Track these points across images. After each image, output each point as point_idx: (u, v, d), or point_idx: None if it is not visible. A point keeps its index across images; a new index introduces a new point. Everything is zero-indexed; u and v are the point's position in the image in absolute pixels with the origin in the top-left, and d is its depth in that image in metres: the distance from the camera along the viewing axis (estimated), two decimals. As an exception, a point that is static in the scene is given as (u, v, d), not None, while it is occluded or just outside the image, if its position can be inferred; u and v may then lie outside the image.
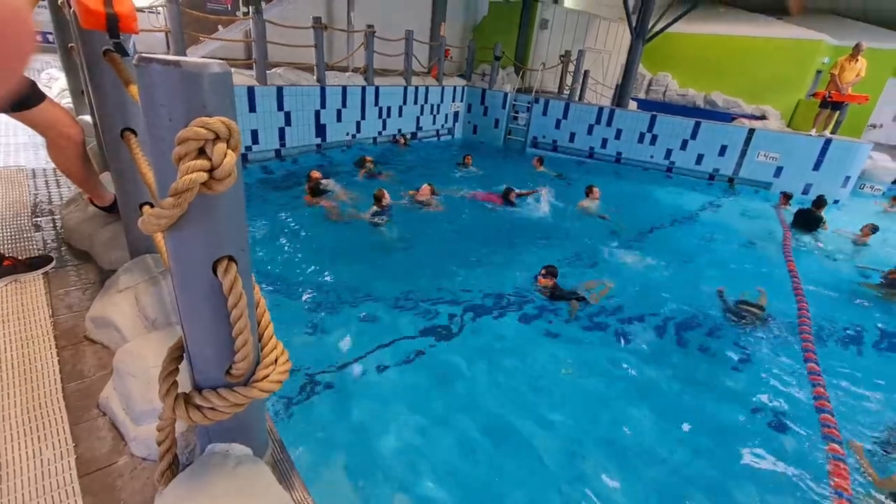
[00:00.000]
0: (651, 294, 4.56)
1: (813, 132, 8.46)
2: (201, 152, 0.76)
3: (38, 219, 2.19)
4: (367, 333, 3.54)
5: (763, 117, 15.73)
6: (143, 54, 0.75)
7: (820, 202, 7.01)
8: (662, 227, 6.73)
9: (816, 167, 8.27)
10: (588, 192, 6.94)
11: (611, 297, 4.38)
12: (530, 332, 3.79)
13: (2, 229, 2.05)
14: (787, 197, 7.83)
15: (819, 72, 15.30)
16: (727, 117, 14.53)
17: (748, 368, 3.57)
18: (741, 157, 8.79)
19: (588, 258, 5.30)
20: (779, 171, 8.57)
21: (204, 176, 0.75)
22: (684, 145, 9.17)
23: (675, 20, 10.60)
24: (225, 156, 0.76)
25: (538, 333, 3.78)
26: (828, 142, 8.09)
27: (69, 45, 2.80)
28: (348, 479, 2.32)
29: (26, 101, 1.60)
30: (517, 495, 2.39)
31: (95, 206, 1.94)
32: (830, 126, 8.56)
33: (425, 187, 6.19)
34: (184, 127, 0.74)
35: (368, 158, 7.55)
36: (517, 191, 6.60)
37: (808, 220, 6.72)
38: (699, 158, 9.13)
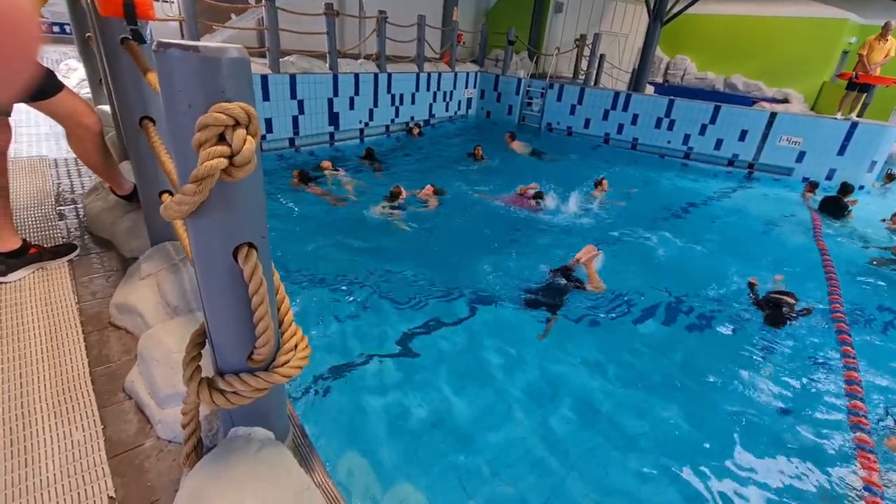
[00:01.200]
0: (670, 280, 4.49)
1: (838, 115, 8.18)
2: (221, 139, 0.75)
3: (62, 207, 2.24)
4: (384, 322, 3.56)
5: (785, 101, 15.27)
6: (162, 40, 0.75)
7: (846, 189, 6.81)
8: (680, 214, 6.62)
9: (841, 152, 8.01)
10: (597, 184, 6.79)
11: (628, 291, 4.30)
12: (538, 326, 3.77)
13: (27, 218, 2.10)
14: (812, 185, 7.60)
15: (845, 52, 14.74)
16: (748, 101, 14.12)
17: (777, 354, 3.51)
18: (762, 141, 8.55)
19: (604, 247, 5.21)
20: (801, 156, 8.33)
21: (224, 162, 0.75)
22: (703, 130, 8.96)
23: (694, 1, 10.28)
24: (245, 142, 0.76)
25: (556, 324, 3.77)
26: (854, 125, 7.83)
27: (86, 34, 2.82)
28: (366, 463, 2.36)
29: (45, 90, 1.62)
30: (532, 481, 2.41)
31: (116, 194, 1.96)
32: (857, 109, 8.27)
33: (427, 188, 6.08)
34: (203, 113, 0.74)
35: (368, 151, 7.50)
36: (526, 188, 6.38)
37: (835, 207, 6.54)
38: (718, 143, 8.91)
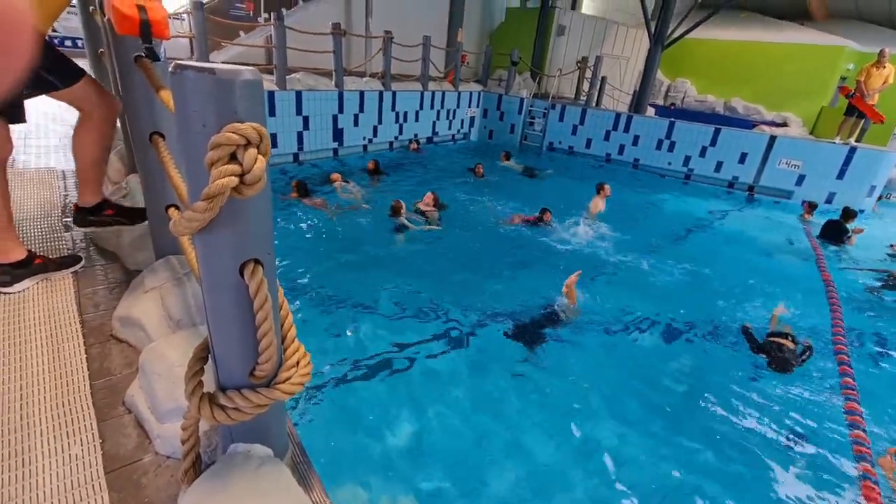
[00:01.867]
0: (666, 305, 4.47)
1: (837, 140, 8.28)
2: (232, 157, 0.77)
3: (68, 219, 2.26)
4: (382, 338, 3.55)
5: (784, 124, 15.46)
6: (179, 61, 0.77)
7: (848, 213, 6.82)
8: (680, 236, 6.64)
9: (840, 176, 8.09)
10: (599, 188, 6.76)
11: (630, 311, 4.28)
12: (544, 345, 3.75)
13: (33, 228, 2.12)
14: (811, 206, 7.64)
15: (843, 78, 14.98)
16: (748, 124, 14.29)
17: (775, 383, 3.47)
18: (762, 164, 8.64)
19: (595, 270, 5.16)
20: (801, 179, 8.40)
21: (235, 181, 0.76)
22: (703, 152, 9.05)
23: (694, 26, 10.50)
24: (255, 161, 0.77)
25: (548, 345, 3.74)
26: (852, 150, 7.91)
27: (99, 50, 2.88)
28: (364, 481, 2.33)
29: (62, 80, 1.67)
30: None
31: (77, 207, 1.92)
32: (856, 134, 8.37)
33: (428, 196, 6.07)
34: (216, 132, 0.76)
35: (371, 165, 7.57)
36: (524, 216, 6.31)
37: (836, 232, 6.56)
38: (718, 166, 9.00)
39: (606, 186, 6.76)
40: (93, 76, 1.81)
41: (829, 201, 8.21)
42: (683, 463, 2.70)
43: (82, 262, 1.87)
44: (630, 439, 2.84)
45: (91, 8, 2.66)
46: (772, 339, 3.74)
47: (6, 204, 1.57)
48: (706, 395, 3.28)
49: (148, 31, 1.29)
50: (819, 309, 4.64)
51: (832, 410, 3.22)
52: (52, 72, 1.64)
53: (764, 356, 3.62)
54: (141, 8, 1.29)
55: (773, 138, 8.56)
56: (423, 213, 5.88)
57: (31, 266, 1.63)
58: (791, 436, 2.98)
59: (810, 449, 2.89)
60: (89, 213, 1.79)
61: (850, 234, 6.49)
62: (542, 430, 2.85)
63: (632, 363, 3.62)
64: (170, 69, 0.80)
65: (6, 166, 1.56)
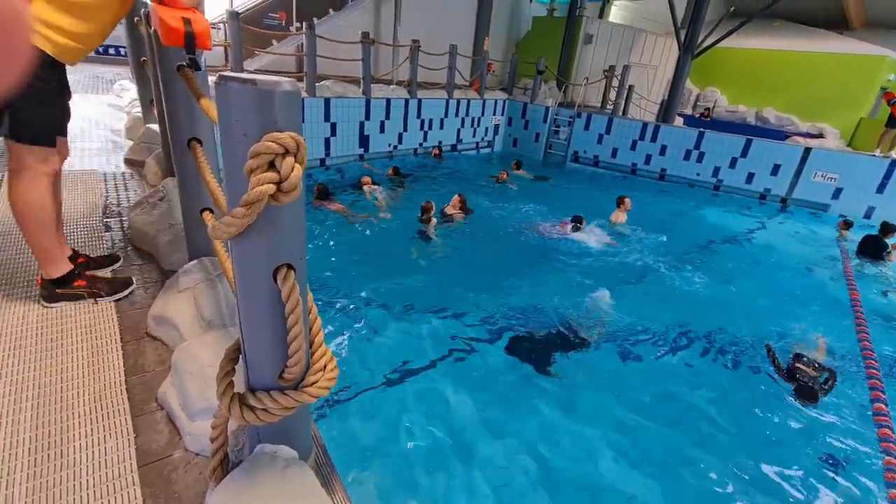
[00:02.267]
0: (691, 320, 4.34)
1: (877, 152, 7.96)
2: (271, 165, 0.80)
3: (109, 220, 2.36)
4: (406, 343, 3.57)
5: (820, 136, 14.93)
6: (223, 73, 0.80)
7: (887, 228, 6.54)
8: (707, 248, 6.47)
9: (880, 190, 7.76)
10: (619, 202, 6.66)
11: (648, 326, 4.18)
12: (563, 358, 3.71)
13: (77, 228, 2.22)
14: (847, 224, 7.30)
15: (884, 89, 14.39)
16: (780, 135, 13.88)
17: (802, 407, 3.33)
18: (796, 176, 8.37)
19: (620, 281, 5.07)
20: (838, 192, 8.10)
21: (272, 188, 0.79)
22: (734, 163, 8.83)
23: (726, 35, 10.29)
24: (292, 169, 0.80)
25: (567, 358, 3.69)
26: (893, 163, 7.59)
27: (142, 59, 3.02)
28: (385, 485, 2.33)
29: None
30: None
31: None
32: (897, 146, 8.04)
33: (455, 199, 6.07)
34: (256, 141, 0.78)
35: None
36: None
37: (875, 248, 6.28)
38: (749, 177, 8.76)
39: (627, 200, 6.67)
40: (139, 101, 1.85)
41: (867, 216, 7.88)
42: (704, 489, 2.61)
43: (121, 261, 1.94)
44: (651, 456, 2.77)
45: (136, 19, 2.79)
46: (796, 364, 3.57)
47: (58, 214, 1.63)
48: (730, 415, 3.17)
49: (192, 42, 1.35)
50: (850, 331, 4.44)
51: (863, 436, 3.07)
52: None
53: (789, 382, 3.46)
54: (186, 20, 1.35)
55: (807, 150, 8.29)
56: (449, 216, 5.90)
57: (70, 285, 1.66)
58: (820, 461, 2.85)
59: (840, 474, 2.77)
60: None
61: (889, 250, 6.21)
62: (565, 442, 2.80)
63: (653, 378, 3.53)
64: (214, 80, 0.83)
65: (55, 178, 1.63)
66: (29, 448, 1.15)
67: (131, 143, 3.49)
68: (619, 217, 6.56)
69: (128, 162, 3.29)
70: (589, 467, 2.66)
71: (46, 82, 1.49)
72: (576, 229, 5.90)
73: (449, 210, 5.99)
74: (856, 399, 3.43)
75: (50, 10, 1.39)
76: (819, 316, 4.64)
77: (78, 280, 1.68)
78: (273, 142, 0.78)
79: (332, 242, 5.25)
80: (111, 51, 8.76)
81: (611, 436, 2.89)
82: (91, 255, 1.88)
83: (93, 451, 1.16)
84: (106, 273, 1.87)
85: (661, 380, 3.54)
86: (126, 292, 1.76)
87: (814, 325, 4.40)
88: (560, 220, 6.15)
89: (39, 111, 1.50)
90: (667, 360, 3.79)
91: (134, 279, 1.82)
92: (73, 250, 1.86)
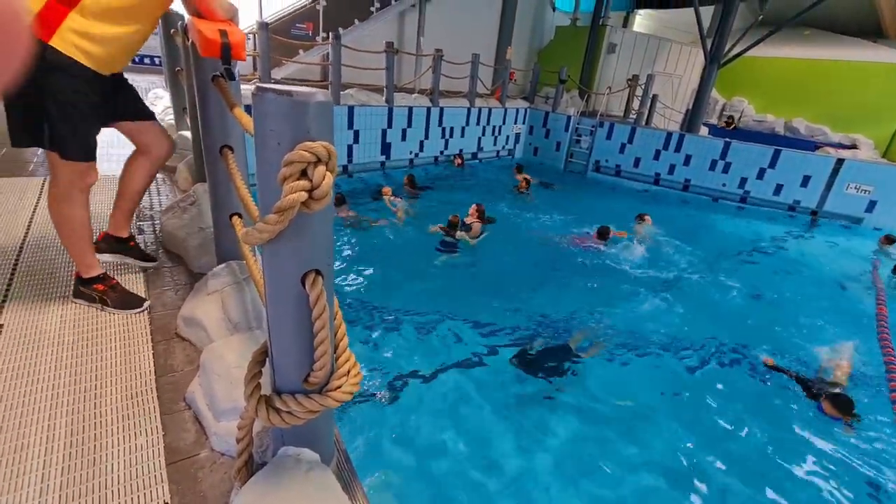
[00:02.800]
0: (714, 335, 4.23)
1: (915, 164, 7.67)
2: (303, 173, 0.82)
3: (141, 223, 2.44)
4: (427, 351, 3.58)
5: (853, 146, 14.45)
6: (260, 84, 0.83)
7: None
8: (733, 261, 6.31)
9: (918, 203, 7.47)
10: (639, 219, 6.53)
11: (672, 339, 4.09)
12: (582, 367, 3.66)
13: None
14: (889, 239, 6.96)
15: (922, 98, 13.87)
16: (810, 146, 13.49)
17: (829, 428, 3.20)
18: (827, 188, 8.11)
19: (640, 294, 4.96)
20: (872, 205, 7.82)
21: (304, 196, 0.81)
22: (761, 174, 8.61)
23: (754, 44, 10.09)
24: (324, 178, 0.82)
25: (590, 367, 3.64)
26: (933, 176, 7.30)
27: (177, 68, 3.13)
28: (404, 491, 2.33)
29: (135, 114, 1.80)
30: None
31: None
32: (937, 158, 7.72)
33: (473, 208, 6.02)
34: (290, 150, 0.81)
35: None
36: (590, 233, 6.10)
37: None
38: (778, 189, 8.53)
39: (647, 217, 6.53)
40: (173, 109, 1.94)
41: (904, 230, 7.58)
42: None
43: (156, 262, 2.01)
44: (672, 473, 2.70)
45: (172, 30, 2.90)
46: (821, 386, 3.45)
47: (89, 224, 1.70)
48: (752, 432, 3.08)
49: (228, 53, 1.40)
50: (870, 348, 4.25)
51: (891, 460, 2.93)
52: (130, 104, 1.80)
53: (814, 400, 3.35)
54: (223, 32, 1.40)
55: (840, 161, 8.04)
56: (467, 226, 5.89)
57: (90, 286, 1.71)
58: (846, 484, 2.74)
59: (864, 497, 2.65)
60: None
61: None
62: (587, 455, 2.76)
63: (675, 394, 3.45)
64: (251, 91, 0.86)
65: (89, 192, 1.69)
66: (64, 443, 1.19)
67: (163, 149, 3.58)
68: (639, 232, 6.46)
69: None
70: (611, 480, 2.61)
71: (86, 96, 1.51)
72: (602, 238, 5.80)
73: (467, 220, 5.99)
74: (881, 421, 3.29)
75: (85, 20, 1.42)
76: (848, 333, 4.46)
77: (98, 284, 1.72)
78: (306, 150, 0.80)
79: (348, 251, 5.31)
80: (146, 60, 9.11)
81: (631, 449, 2.83)
82: (136, 246, 1.95)
83: (123, 448, 1.20)
84: (137, 280, 1.93)
85: (681, 391, 3.47)
86: (135, 311, 1.72)
87: (843, 339, 4.25)
88: (586, 233, 6.04)
89: (78, 126, 1.52)
90: (689, 372, 3.71)
91: (152, 296, 1.85)
92: (130, 232, 1.97)
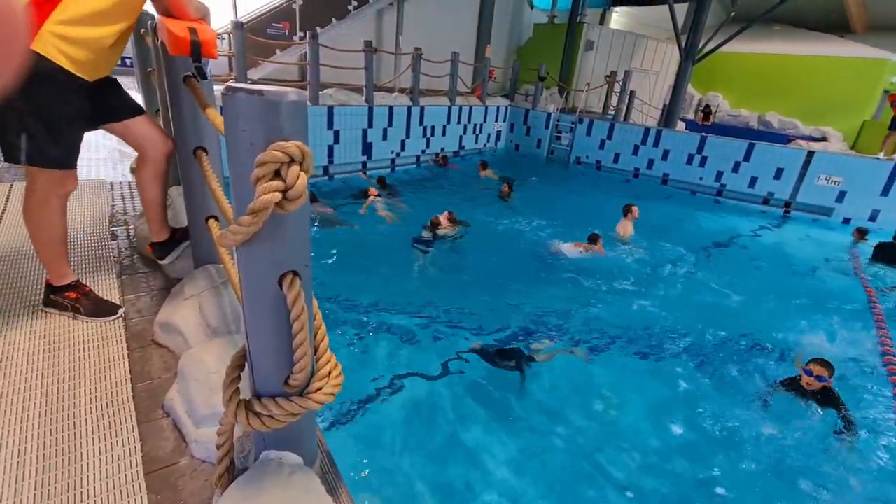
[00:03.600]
0: (695, 330, 4.29)
1: (881, 155, 7.95)
2: (276, 174, 0.81)
3: (115, 228, 2.38)
4: (409, 352, 3.57)
5: (823, 139, 14.91)
6: (230, 84, 0.82)
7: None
8: (711, 254, 6.44)
9: (885, 192, 7.73)
10: (626, 210, 6.43)
11: (656, 335, 4.12)
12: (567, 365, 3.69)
13: (84, 236, 2.24)
14: (861, 232, 7.11)
15: (887, 91, 14.38)
16: (783, 139, 13.87)
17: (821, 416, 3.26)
18: (799, 180, 8.35)
19: (619, 289, 5.01)
20: (842, 195, 8.07)
21: (278, 196, 0.80)
22: (736, 167, 8.82)
23: (727, 40, 10.31)
24: (298, 178, 0.81)
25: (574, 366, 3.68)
26: (898, 166, 7.57)
27: (149, 69, 3.05)
28: (390, 493, 2.33)
29: (119, 112, 1.70)
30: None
31: (153, 246, 1.90)
32: (901, 149, 8.01)
33: (445, 214, 5.93)
34: (262, 150, 0.80)
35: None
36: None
37: (892, 254, 6.20)
38: (753, 181, 8.75)
39: (634, 208, 6.40)
40: (144, 107, 1.83)
41: (872, 219, 7.85)
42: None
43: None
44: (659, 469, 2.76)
45: (142, 30, 2.82)
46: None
47: (65, 232, 1.64)
48: (732, 433, 3.10)
49: (198, 51, 1.37)
50: (863, 334, 4.39)
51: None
52: (113, 104, 1.69)
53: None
54: (192, 30, 1.37)
55: (810, 153, 8.28)
56: (438, 229, 5.79)
57: (62, 294, 1.66)
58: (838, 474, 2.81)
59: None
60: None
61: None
62: (568, 452, 2.79)
63: (657, 390, 3.50)
64: (221, 91, 0.85)
65: (67, 199, 1.63)
66: (36, 455, 1.15)
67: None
68: (627, 227, 6.33)
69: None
70: (593, 478, 2.65)
71: (69, 104, 1.46)
72: (593, 242, 5.68)
73: (441, 222, 5.84)
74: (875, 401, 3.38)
75: (65, 24, 1.36)
76: (830, 319, 4.60)
77: (70, 292, 1.67)
78: (279, 150, 0.79)
79: (327, 251, 5.25)
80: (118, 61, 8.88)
81: (610, 443, 2.87)
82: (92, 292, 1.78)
83: (100, 459, 1.17)
84: (112, 287, 1.87)
85: (664, 386, 3.52)
86: (109, 318, 1.68)
87: (825, 330, 4.37)
88: (577, 241, 5.85)
89: (59, 134, 1.46)
90: (668, 369, 3.76)
91: (127, 302, 1.79)
92: (170, 230, 1.89)
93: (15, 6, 0.37)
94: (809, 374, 3.16)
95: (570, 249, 5.69)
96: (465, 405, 3.05)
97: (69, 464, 1.15)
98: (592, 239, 5.69)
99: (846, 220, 7.98)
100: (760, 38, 15.91)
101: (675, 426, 3.09)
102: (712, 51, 10.36)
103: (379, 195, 6.73)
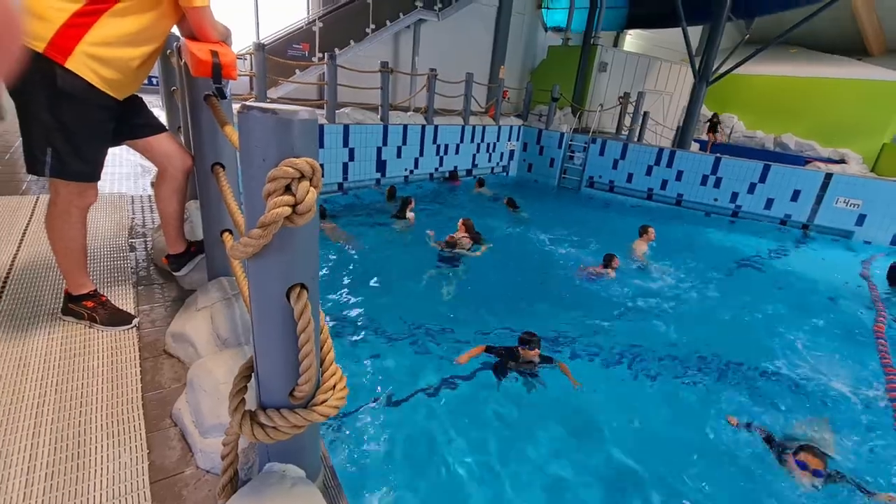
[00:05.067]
0: (706, 351, 4.20)
1: (902, 178, 7.80)
2: (287, 189, 0.84)
3: (133, 240, 2.45)
4: (413, 366, 3.56)
5: (842, 161, 14.69)
6: (246, 103, 0.85)
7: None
8: (727, 275, 6.33)
9: (907, 216, 7.57)
10: (642, 231, 6.38)
11: (668, 357, 4.07)
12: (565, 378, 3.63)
13: (103, 248, 2.31)
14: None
15: (907, 115, 14.21)
16: (800, 160, 13.71)
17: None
18: (817, 202, 8.22)
19: (630, 309, 4.94)
20: (861, 218, 7.91)
21: (288, 210, 0.83)
22: (752, 189, 8.73)
23: (741, 62, 10.32)
24: (308, 193, 0.84)
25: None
26: (920, 189, 7.42)
27: (172, 88, 3.17)
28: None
29: (143, 130, 1.76)
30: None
31: (169, 258, 1.97)
32: (923, 172, 7.86)
33: (460, 223, 5.96)
34: (274, 166, 0.83)
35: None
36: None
37: None
38: (769, 203, 8.63)
39: (651, 230, 6.27)
40: (168, 128, 1.89)
41: (894, 242, 7.66)
42: None
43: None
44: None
45: (168, 51, 2.95)
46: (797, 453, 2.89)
47: (84, 243, 1.70)
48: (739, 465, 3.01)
49: (219, 73, 1.43)
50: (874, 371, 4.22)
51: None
52: (137, 122, 1.76)
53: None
54: (214, 53, 1.43)
55: (828, 175, 8.16)
56: (455, 242, 5.84)
57: (79, 303, 1.70)
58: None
59: None
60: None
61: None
62: (575, 468, 2.73)
63: (662, 410, 3.41)
64: (237, 109, 0.89)
65: (88, 211, 1.69)
66: (46, 461, 1.18)
67: (158, 167, 3.62)
68: (642, 248, 6.24)
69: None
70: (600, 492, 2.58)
71: (96, 120, 1.52)
72: (607, 266, 5.56)
73: (456, 235, 5.90)
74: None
75: (99, 44, 1.43)
76: (842, 348, 4.46)
77: (87, 301, 1.72)
78: (290, 167, 0.82)
79: (336, 264, 5.29)
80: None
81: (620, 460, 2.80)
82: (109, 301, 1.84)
83: (107, 466, 1.19)
84: (128, 297, 1.92)
85: (669, 408, 3.43)
86: (123, 327, 1.72)
87: (838, 357, 4.24)
88: (594, 263, 5.76)
89: (83, 147, 1.51)
90: (675, 390, 3.67)
91: (141, 312, 1.83)
92: (186, 243, 1.96)
93: (9, 3, 0.38)
94: (804, 467, 2.76)
95: (581, 272, 5.64)
96: (470, 422, 3.01)
97: (77, 469, 1.17)
98: (607, 261, 5.59)
99: (867, 243, 7.80)
100: (776, 59, 15.89)
101: (675, 447, 3.00)
102: (727, 72, 10.36)
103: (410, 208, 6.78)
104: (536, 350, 3.41)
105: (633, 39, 17.38)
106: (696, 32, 14.34)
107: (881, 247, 7.54)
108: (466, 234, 5.94)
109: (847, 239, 8.00)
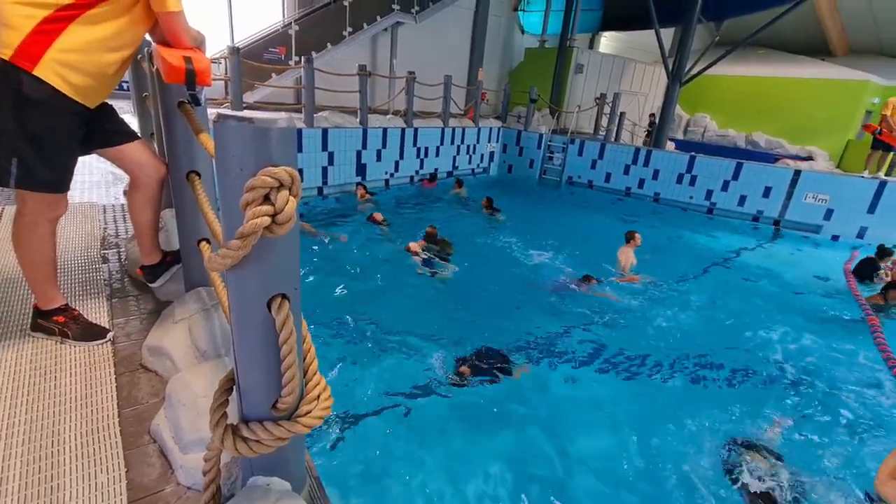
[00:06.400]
0: (683, 349, 4.28)
1: (865, 173, 8.11)
2: (266, 198, 0.82)
3: (106, 251, 2.37)
4: (398, 372, 3.54)
5: (809, 158, 15.24)
6: (221, 111, 0.84)
7: (883, 251, 6.53)
8: (703, 272, 6.47)
9: (871, 210, 7.87)
10: (629, 237, 6.06)
11: (645, 354, 4.12)
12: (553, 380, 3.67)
13: (74, 259, 2.23)
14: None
15: (869, 112, 14.84)
16: (770, 158, 14.15)
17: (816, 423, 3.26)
18: (787, 198, 8.49)
19: (608, 307, 5.00)
20: (829, 213, 8.21)
21: (267, 220, 0.81)
22: (725, 186, 8.97)
23: (712, 63, 10.61)
24: (287, 202, 0.82)
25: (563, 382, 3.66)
26: (883, 183, 7.72)
27: (144, 94, 3.09)
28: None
29: (113, 138, 1.70)
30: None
31: (144, 269, 1.91)
32: (885, 167, 8.19)
33: (428, 229, 5.87)
34: (252, 176, 0.81)
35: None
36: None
37: (868, 269, 6.30)
38: (742, 200, 8.89)
39: (637, 235, 5.95)
40: (140, 135, 1.83)
41: (860, 236, 7.97)
42: None
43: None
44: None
45: (139, 56, 2.87)
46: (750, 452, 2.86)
47: (54, 256, 1.64)
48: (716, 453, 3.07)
49: (193, 79, 1.40)
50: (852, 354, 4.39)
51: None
52: (108, 129, 1.70)
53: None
54: (187, 58, 1.40)
55: (797, 172, 8.44)
56: (415, 252, 5.69)
57: (49, 318, 1.64)
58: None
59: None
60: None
61: (879, 273, 6.22)
62: (558, 472, 2.75)
63: (643, 409, 3.45)
64: (212, 118, 0.87)
65: (57, 223, 1.63)
66: (18, 485, 1.13)
67: (131, 174, 3.51)
68: (629, 255, 5.92)
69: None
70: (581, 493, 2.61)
71: (65, 129, 1.47)
72: (587, 282, 5.41)
73: (412, 247, 5.69)
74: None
75: (67, 52, 1.38)
76: (825, 333, 4.62)
77: (58, 316, 1.65)
78: (268, 176, 0.80)
79: (316, 270, 5.23)
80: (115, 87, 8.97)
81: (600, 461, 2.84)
82: (82, 316, 1.76)
83: (83, 487, 1.15)
84: (101, 310, 1.86)
85: (646, 409, 3.46)
86: (97, 342, 1.66)
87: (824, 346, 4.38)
88: (573, 278, 5.61)
89: (52, 158, 1.46)
90: (649, 389, 3.73)
91: (116, 326, 1.77)
92: (161, 253, 1.89)
93: None
94: None
95: (561, 284, 5.55)
96: (455, 427, 3.01)
97: (52, 492, 1.12)
98: (585, 279, 5.44)
99: (835, 238, 8.10)
100: (745, 60, 16.39)
101: (652, 445, 3.05)
102: (699, 73, 10.64)
103: (385, 222, 6.73)
104: (466, 368, 3.50)
105: (608, 41, 17.70)
106: (668, 34, 14.67)
107: (849, 240, 7.82)
108: (419, 250, 5.65)
109: (816, 234, 8.28)
